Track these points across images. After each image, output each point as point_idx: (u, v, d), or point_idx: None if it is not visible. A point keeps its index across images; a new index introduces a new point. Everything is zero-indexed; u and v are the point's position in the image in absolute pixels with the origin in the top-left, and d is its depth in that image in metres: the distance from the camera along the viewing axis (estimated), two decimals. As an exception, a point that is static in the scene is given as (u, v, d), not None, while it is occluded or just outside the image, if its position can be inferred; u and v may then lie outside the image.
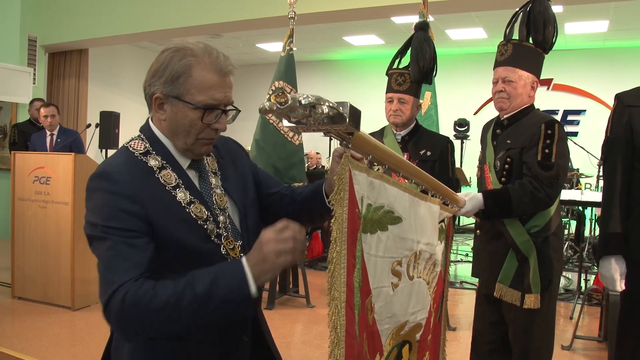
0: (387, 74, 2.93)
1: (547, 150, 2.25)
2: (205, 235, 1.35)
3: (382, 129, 3.01)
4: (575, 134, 9.63)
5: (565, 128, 2.34)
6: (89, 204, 1.27)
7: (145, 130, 1.38)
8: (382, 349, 1.34)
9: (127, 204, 1.23)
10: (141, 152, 1.33)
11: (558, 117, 10.05)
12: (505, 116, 2.44)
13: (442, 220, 1.86)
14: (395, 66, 2.92)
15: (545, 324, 2.39)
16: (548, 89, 10.27)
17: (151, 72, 1.32)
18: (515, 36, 2.43)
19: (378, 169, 1.27)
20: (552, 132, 2.26)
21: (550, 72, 10.01)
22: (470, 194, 2.24)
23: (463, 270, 6.83)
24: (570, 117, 10.19)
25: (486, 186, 2.45)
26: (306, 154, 9.71)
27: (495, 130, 2.50)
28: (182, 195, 1.33)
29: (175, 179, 1.34)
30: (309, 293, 5.20)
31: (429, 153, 2.86)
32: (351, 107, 1.03)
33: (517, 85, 2.36)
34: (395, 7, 6.10)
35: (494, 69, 2.44)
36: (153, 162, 1.33)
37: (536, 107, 2.45)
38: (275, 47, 10.69)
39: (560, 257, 2.51)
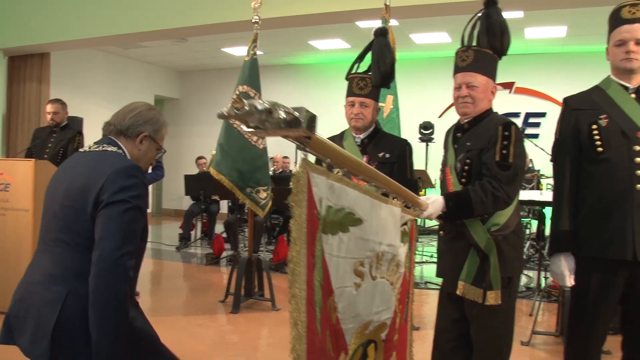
0: (347, 79, 2.97)
1: (504, 151, 2.31)
2: None
3: (342, 133, 3.05)
4: (536, 136, 9.83)
5: (526, 130, 2.42)
6: (130, 183, 1.77)
7: (118, 147, 1.95)
8: (346, 348, 1.37)
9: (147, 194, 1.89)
10: None
11: (520, 120, 10.26)
12: (465, 120, 2.50)
13: (405, 223, 1.90)
14: (354, 71, 2.97)
15: (505, 320, 2.44)
16: (510, 92, 10.48)
17: (144, 118, 2.00)
18: (474, 42, 2.49)
19: (337, 172, 1.30)
20: (509, 133, 2.33)
21: (512, 76, 10.22)
22: (432, 197, 2.29)
23: (428, 271, 6.92)
24: (531, 120, 10.39)
25: (447, 188, 2.50)
26: (272, 158, 9.71)
27: (456, 134, 2.55)
28: None
29: None
30: (275, 296, 5.20)
31: (387, 155, 2.91)
32: (307, 112, 1.06)
33: (480, 90, 2.42)
34: (359, 12, 6.14)
35: (454, 75, 2.50)
36: None
37: (494, 111, 2.52)
38: (241, 51, 10.65)
39: (521, 255, 2.57)
